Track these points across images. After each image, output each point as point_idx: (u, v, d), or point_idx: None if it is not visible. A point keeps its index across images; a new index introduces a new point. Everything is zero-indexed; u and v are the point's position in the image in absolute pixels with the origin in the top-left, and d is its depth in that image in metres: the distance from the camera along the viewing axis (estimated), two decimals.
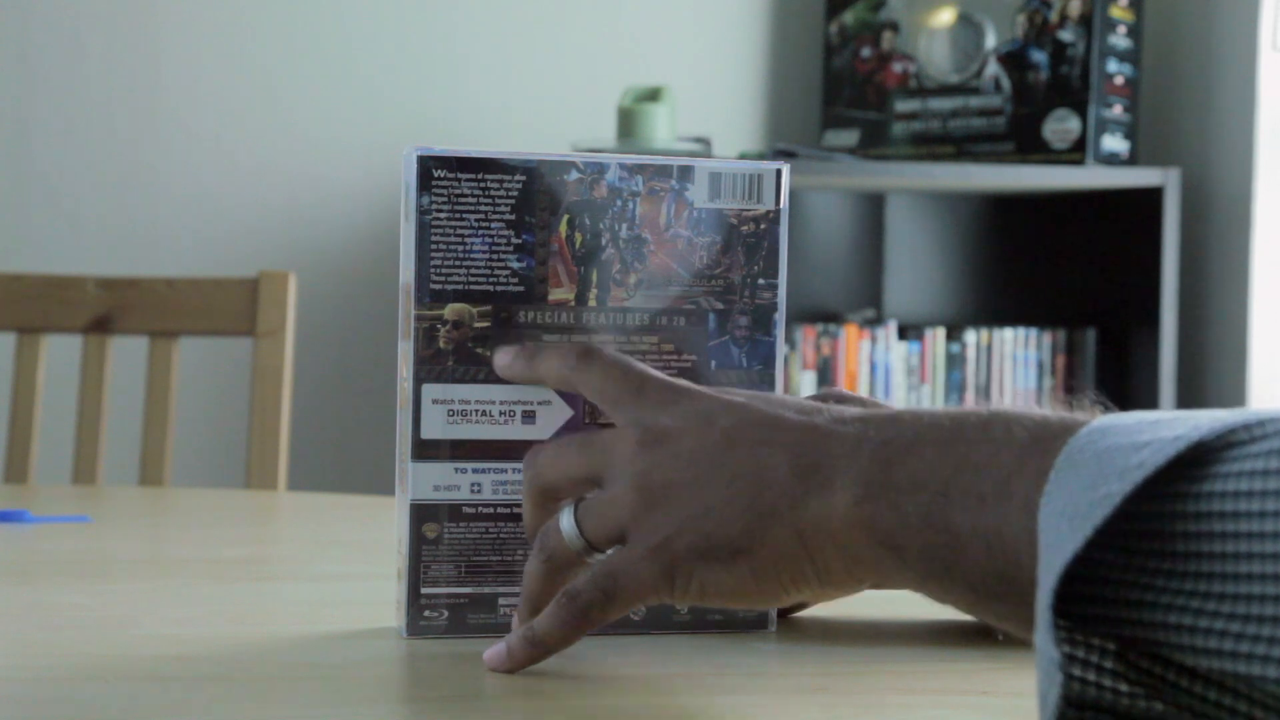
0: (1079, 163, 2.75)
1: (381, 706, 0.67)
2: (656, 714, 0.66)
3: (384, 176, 2.87)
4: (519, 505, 0.77)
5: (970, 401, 2.89)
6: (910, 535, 0.60)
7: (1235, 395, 2.85)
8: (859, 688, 0.70)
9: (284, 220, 2.84)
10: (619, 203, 0.78)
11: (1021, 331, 2.92)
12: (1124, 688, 0.52)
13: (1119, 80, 2.80)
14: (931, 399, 2.89)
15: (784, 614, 0.83)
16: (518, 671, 0.70)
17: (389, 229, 2.86)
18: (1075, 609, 0.53)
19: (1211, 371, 2.90)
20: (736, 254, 0.79)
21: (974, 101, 2.86)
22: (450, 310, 0.76)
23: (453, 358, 0.77)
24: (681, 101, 2.91)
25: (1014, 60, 2.83)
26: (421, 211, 0.76)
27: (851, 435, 0.64)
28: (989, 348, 2.91)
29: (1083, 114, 2.75)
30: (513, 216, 0.77)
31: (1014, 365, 2.91)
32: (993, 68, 2.84)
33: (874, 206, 3.13)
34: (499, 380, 0.77)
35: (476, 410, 0.77)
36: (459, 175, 0.76)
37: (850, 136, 2.95)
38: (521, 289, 0.77)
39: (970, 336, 2.90)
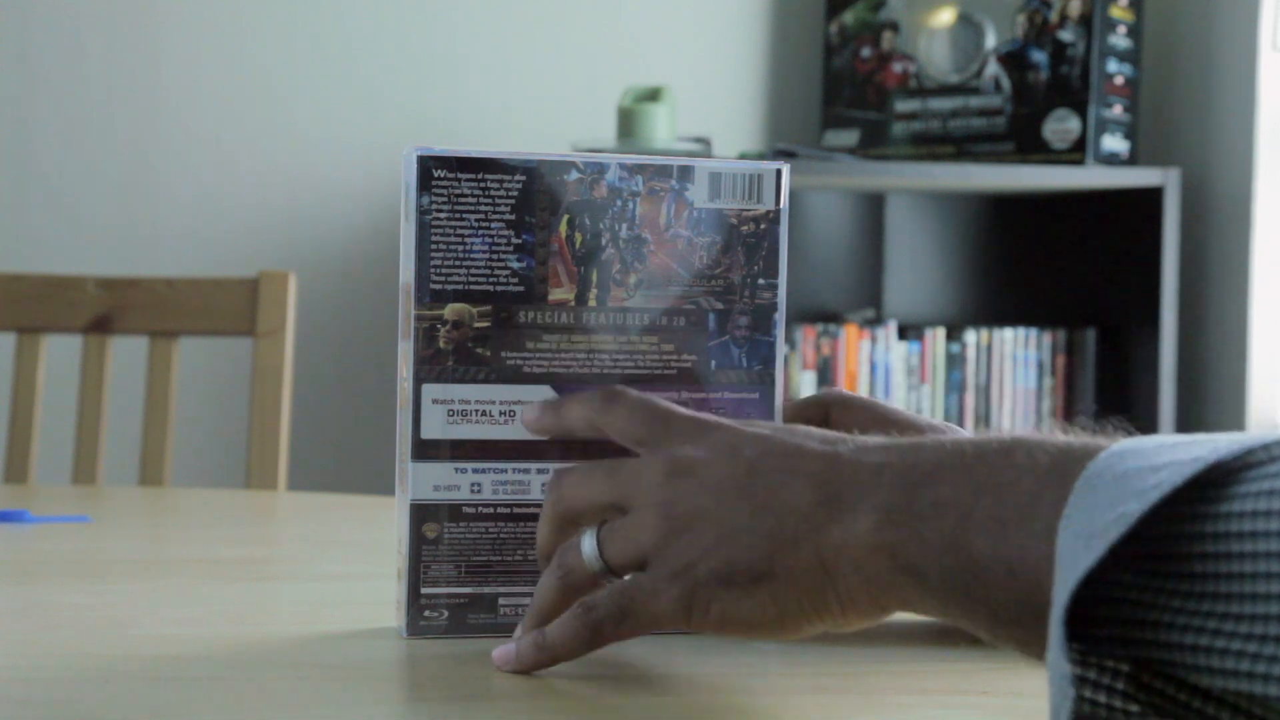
0: (1079, 163, 2.75)
1: (381, 706, 0.67)
2: (657, 714, 0.66)
3: (384, 176, 2.87)
4: (519, 505, 0.77)
5: (969, 401, 2.89)
6: (931, 560, 0.60)
7: (1235, 395, 2.85)
8: (859, 688, 0.70)
9: (284, 220, 2.84)
10: (619, 203, 0.78)
11: (1021, 331, 2.92)
12: (1134, 708, 0.52)
13: (1119, 80, 2.80)
14: (931, 399, 2.89)
15: None
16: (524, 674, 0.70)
17: (389, 229, 2.86)
18: (1090, 630, 0.53)
19: (1211, 371, 2.91)
20: (736, 254, 0.79)
21: (974, 101, 2.86)
22: (450, 310, 0.76)
23: (453, 358, 0.77)
24: (681, 101, 2.91)
25: (1014, 60, 2.83)
26: (421, 211, 0.76)
27: (874, 463, 0.64)
28: (989, 348, 2.91)
29: (1083, 114, 2.75)
30: (513, 216, 0.77)
31: (1014, 365, 2.91)
32: (993, 68, 2.84)
33: (874, 206, 3.13)
34: (499, 380, 0.77)
35: (476, 410, 0.77)
36: (459, 175, 0.76)
37: (850, 136, 2.95)
38: (521, 289, 0.77)
39: (970, 336, 2.90)
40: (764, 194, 0.79)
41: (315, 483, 2.81)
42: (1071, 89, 2.77)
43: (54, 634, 0.78)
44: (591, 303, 0.77)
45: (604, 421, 0.73)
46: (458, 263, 0.76)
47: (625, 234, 0.78)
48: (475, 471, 0.77)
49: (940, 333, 2.91)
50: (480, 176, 0.76)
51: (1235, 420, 2.85)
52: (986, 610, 0.59)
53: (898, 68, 2.93)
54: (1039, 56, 2.80)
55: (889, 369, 2.88)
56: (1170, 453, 0.53)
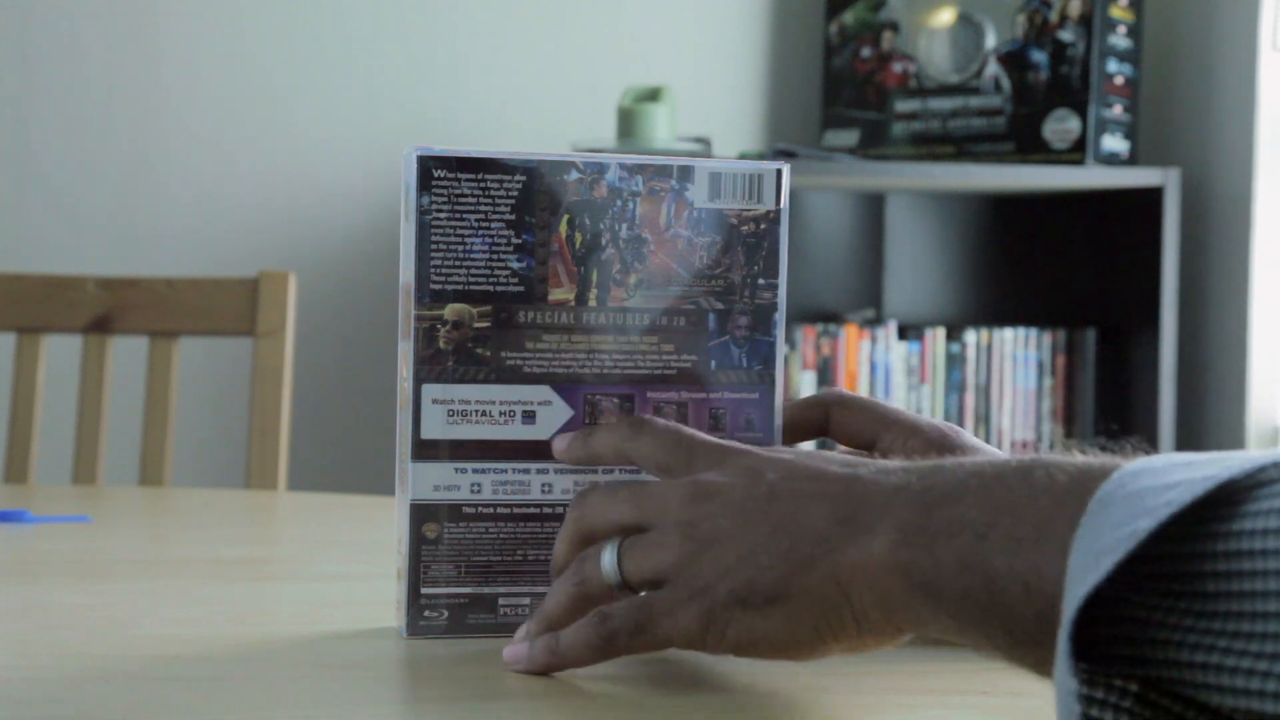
0: (1079, 163, 2.75)
1: (381, 706, 0.67)
2: (656, 714, 0.66)
3: (384, 176, 2.87)
4: (519, 505, 0.77)
5: (969, 401, 2.89)
6: (947, 580, 0.60)
7: (1235, 395, 2.85)
8: (859, 688, 0.70)
9: (284, 220, 2.84)
10: (619, 203, 0.78)
11: (1021, 331, 2.92)
12: None
13: (1119, 80, 2.80)
14: (931, 399, 2.89)
15: None
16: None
17: (389, 229, 2.86)
18: (1100, 649, 0.53)
19: (1211, 371, 2.91)
20: (736, 254, 0.79)
21: (974, 101, 2.86)
22: (450, 310, 0.76)
23: (453, 358, 0.77)
24: (681, 101, 2.91)
25: (1014, 60, 2.83)
26: (421, 211, 0.76)
27: (892, 485, 0.64)
28: (989, 348, 2.91)
29: (1083, 114, 2.75)
30: (513, 216, 0.77)
31: (1014, 365, 2.91)
32: (993, 68, 2.84)
33: (874, 206, 3.13)
34: (499, 380, 0.77)
35: (476, 410, 0.77)
36: (459, 175, 0.76)
37: (850, 136, 2.95)
38: (521, 289, 0.77)
39: (970, 336, 2.90)
40: (764, 194, 0.79)
41: (315, 483, 2.81)
42: (1071, 89, 2.77)
43: (54, 634, 0.78)
44: (591, 303, 0.77)
45: (631, 449, 0.74)
46: (458, 263, 0.76)
47: (625, 234, 0.78)
48: (475, 471, 0.77)
49: (940, 333, 2.91)
50: (480, 176, 0.76)
51: (1235, 420, 2.85)
52: (1003, 630, 0.59)
53: (898, 68, 2.93)
54: (1039, 56, 2.80)
55: (889, 369, 2.88)
56: (1183, 471, 0.53)
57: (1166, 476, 0.53)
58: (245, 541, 1.18)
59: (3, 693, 0.66)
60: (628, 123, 2.71)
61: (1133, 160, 2.82)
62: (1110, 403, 2.91)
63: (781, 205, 0.79)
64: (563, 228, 0.77)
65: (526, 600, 0.78)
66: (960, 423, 2.87)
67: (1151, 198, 2.78)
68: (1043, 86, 2.79)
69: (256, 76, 2.83)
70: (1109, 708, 0.52)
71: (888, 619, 0.63)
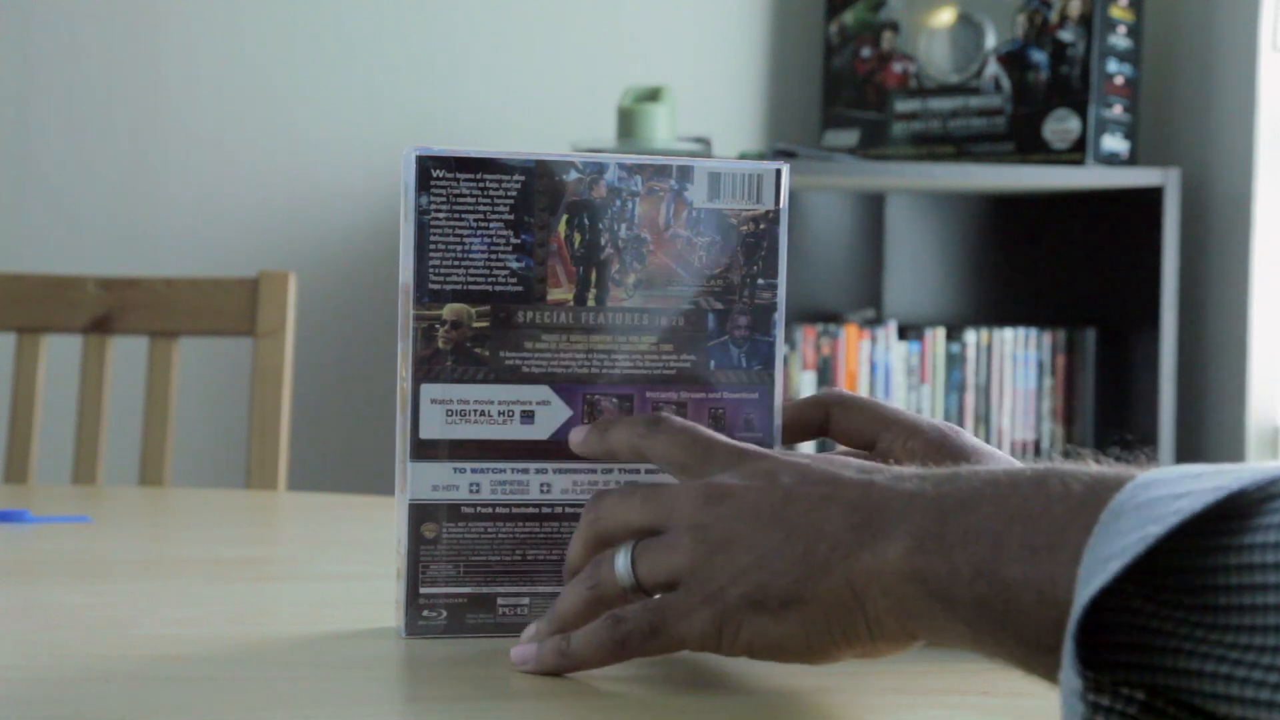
0: (1079, 163, 2.75)
1: (381, 706, 0.67)
2: (658, 714, 0.66)
3: (384, 176, 2.87)
4: (518, 505, 0.77)
5: (969, 401, 2.89)
6: (962, 588, 0.60)
7: (1235, 395, 2.85)
8: (859, 688, 0.70)
9: (284, 220, 2.84)
10: (618, 203, 0.78)
11: (1021, 331, 2.92)
12: None
13: (1119, 80, 2.80)
14: (931, 399, 2.89)
15: None
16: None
17: (389, 229, 2.86)
18: (1108, 656, 0.53)
19: (1211, 371, 2.90)
20: (736, 254, 0.79)
21: (974, 101, 2.86)
22: (449, 310, 0.76)
23: (451, 358, 0.77)
24: (681, 101, 2.91)
25: (1014, 60, 2.83)
26: (420, 211, 0.76)
27: (907, 491, 0.64)
28: (989, 348, 2.91)
29: (1083, 114, 2.75)
30: (511, 216, 0.77)
31: (1014, 365, 2.91)
32: (993, 68, 2.84)
33: (874, 206, 3.13)
34: (498, 380, 0.77)
35: (475, 410, 0.77)
36: (458, 175, 0.76)
37: (850, 136, 2.95)
38: (520, 289, 0.77)
39: (970, 336, 2.90)
40: (764, 194, 0.79)
41: (315, 483, 2.81)
42: (1071, 89, 2.77)
43: (54, 634, 0.78)
44: (590, 303, 0.77)
45: (647, 447, 0.73)
46: (456, 263, 0.76)
47: (624, 234, 0.78)
48: (474, 471, 0.77)
49: (940, 333, 2.91)
50: (479, 176, 0.76)
51: (1235, 420, 2.85)
52: (1017, 638, 0.59)
53: (898, 68, 2.93)
54: (1039, 56, 2.80)
55: (889, 369, 2.88)
56: (1194, 482, 0.53)
57: (1177, 487, 0.53)
58: (245, 541, 1.18)
59: (3, 693, 0.66)
60: (628, 123, 2.72)
61: (1133, 160, 2.82)
62: (1110, 403, 2.91)
63: (781, 205, 0.79)
64: (561, 228, 0.77)
65: (525, 600, 0.78)
66: (960, 423, 2.87)
67: (1151, 198, 2.78)
68: (1043, 86, 2.79)
69: (256, 76, 2.83)
70: (1116, 714, 0.52)
71: (901, 626, 0.63)
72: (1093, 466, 0.60)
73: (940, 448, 0.75)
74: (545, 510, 0.78)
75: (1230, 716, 0.51)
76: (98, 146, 2.78)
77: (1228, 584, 0.51)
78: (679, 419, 0.73)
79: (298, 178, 2.84)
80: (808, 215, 3.08)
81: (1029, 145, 2.80)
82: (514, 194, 0.77)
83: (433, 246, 0.76)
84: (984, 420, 2.90)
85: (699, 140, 2.73)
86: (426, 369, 0.76)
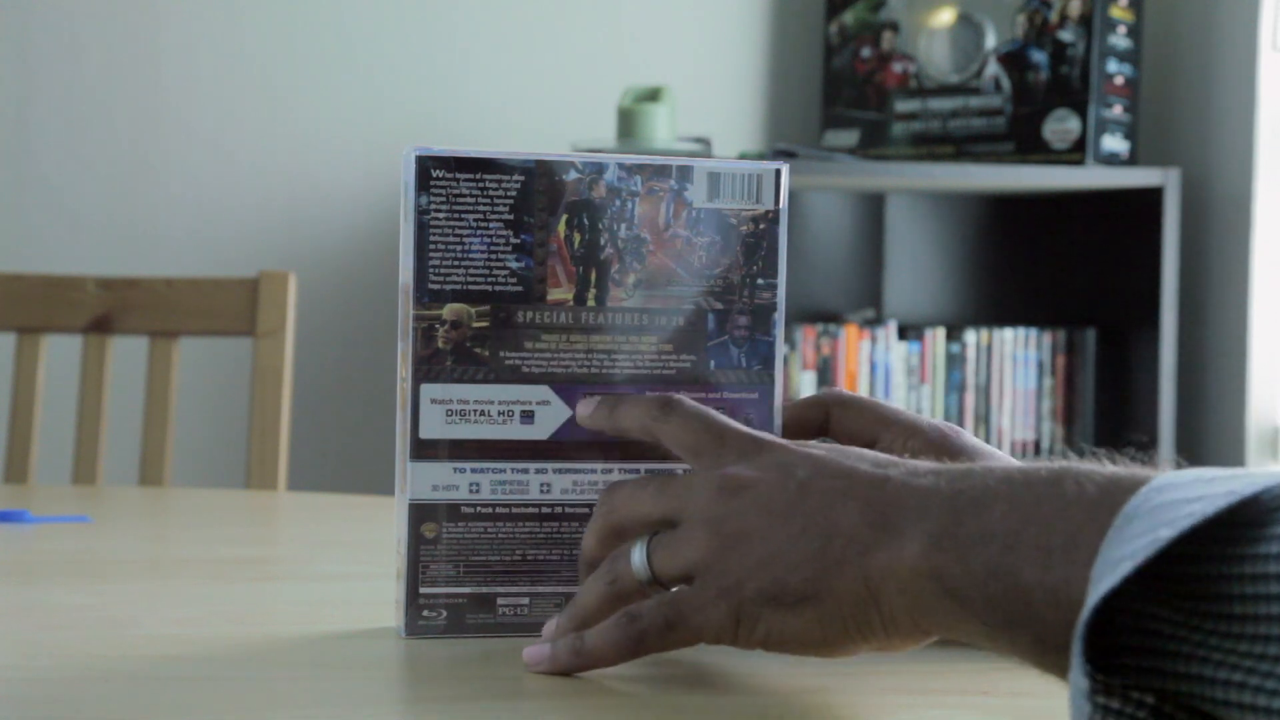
0: (1079, 163, 2.75)
1: (381, 706, 0.67)
2: (657, 714, 0.66)
3: (384, 176, 2.87)
4: (518, 505, 0.77)
5: (969, 401, 2.89)
6: (977, 587, 0.60)
7: (1235, 395, 2.85)
8: (859, 688, 0.70)
9: (284, 220, 2.84)
10: (618, 203, 0.78)
11: (1021, 331, 2.92)
12: None
13: (1119, 80, 2.80)
14: (931, 399, 2.89)
15: None
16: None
17: (389, 229, 2.86)
18: (1119, 660, 0.54)
19: (1211, 371, 2.90)
20: (736, 254, 0.79)
21: (974, 101, 2.86)
22: (449, 310, 0.76)
23: (451, 358, 0.77)
24: (681, 101, 2.91)
25: (1014, 60, 2.83)
26: (420, 211, 0.76)
27: (923, 488, 0.64)
28: (989, 348, 2.91)
29: (1083, 114, 2.75)
30: (511, 216, 0.77)
31: (1014, 365, 2.91)
32: (993, 68, 2.84)
33: (874, 206, 3.13)
34: (497, 380, 0.77)
35: (475, 410, 0.77)
36: (457, 175, 0.76)
37: (850, 136, 2.95)
38: (520, 289, 0.77)
39: (970, 336, 2.90)
40: (763, 194, 0.79)
41: (315, 483, 2.81)
42: (1071, 89, 2.77)
43: (54, 634, 0.78)
44: (590, 303, 0.77)
45: (659, 429, 0.73)
46: (456, 263, 0.76)
47: (624, 234, 0.78)
48: (474, 471, 0.77)
49: (940, 333, 2.91)
50: (479, 176, 0.76)
51: (1235, 420, 2.85)
52: (1031, 638, 0.59)
53: (898, 68, 2.93)
54: (1039, 56, 2.80)
55: (889, 369, 2.88)
56: (1207, 486, 0.53)
57: (1190, 491, 0.53)
58: (245, 541, 1.18)
59: (3, 693, 0.66)
60: (628, 123, 2.71)
61: (1133, 160, 2.82)
62: (1110, 403, 2.91)
63: (781, 205, 0.79)
64: (561, 228, 0.77)
65: (525, 600, 0.78)
66: (960, 423, 2.87)
67: (1151, 198, 2.78)
68: (1043, 86, 2.79)
69: (256, 76, 2.83)
70: (1125, 717, 0.52)
71: (916, 622, 0.63)
72: (1107, 467, 0.60)
73: (940, 448, 0.75)
74: (545, 510, 0.78)
75: None
76: (98, 146, 2.78)
77: (1241, 593, 0.51)
78: (692, 402, 0.73)
79: (298, 178, 2.84)
80: (808, 215, 3.08)
81: (1029, 145, 2.80)
82: (514, 194, 0.77)
83: (432, 246, 0.76)
84: (984, 420, 2.90)
85: (699, 140, 2.73)
86: (426, 369, 0.76)
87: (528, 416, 0.77)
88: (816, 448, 0.69)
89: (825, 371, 2.85)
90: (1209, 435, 2.90)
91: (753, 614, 0.66)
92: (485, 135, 2.89)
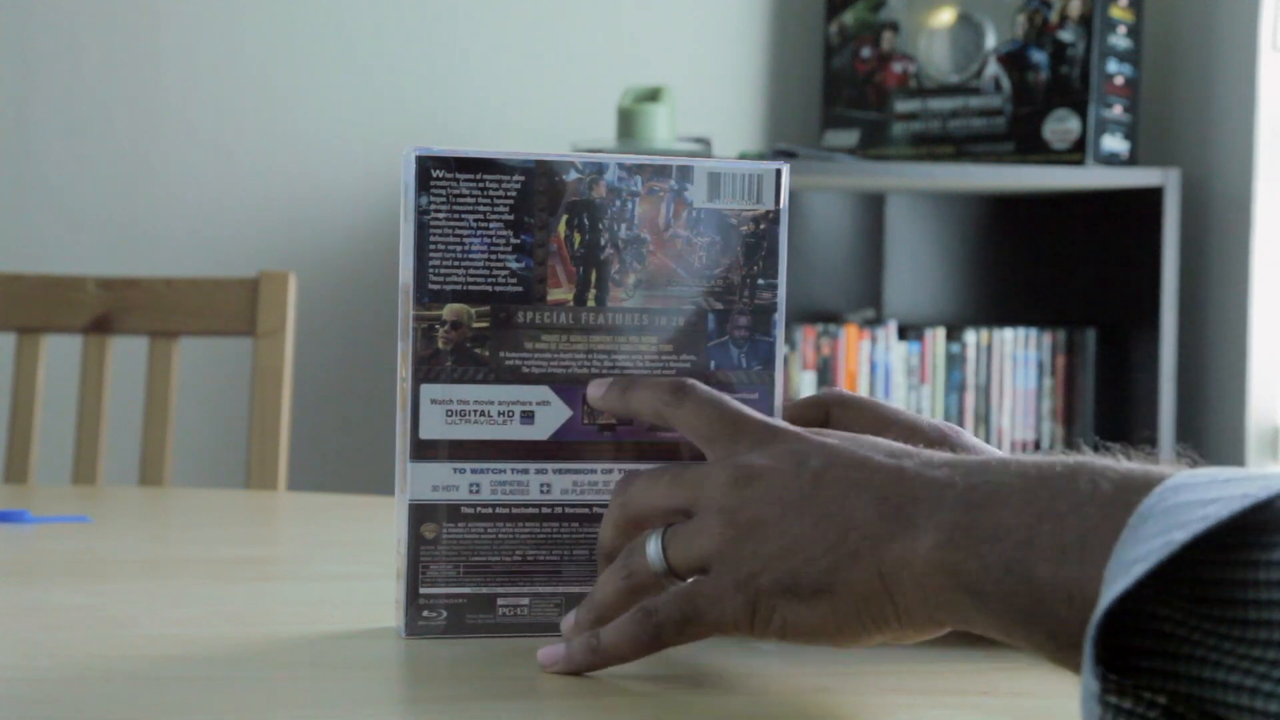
0: (1079, 163, 2.75)
1: (381, 706, 0.67)
2: (657, 714, 0.66)
3: (384, 176, 2.87)
4: (518, 506, 0.77)
5: (969, 401, 2.89)
6: (992, 583, 0.60)
7: (1235, 395, 2.85)
8: (859, 688, 0.70)
9: (284, 220, 2.84)
10: (618, 203, 0.78)
11: (1021, 331, 2.92)
12: None
13: (1119, 80, 2.80)
14: (931, 399, 2.89)
15: None
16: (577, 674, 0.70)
17: (389, 229, 2.86)
18: (1132, 661, 0.54)
19: (1211, 371, 2.90)
20: (736, 254, 0.79)
21: (974, 101, 2.86)
22: (449, 310, 0.76)
23: (451, 358, 0.77)
24: (681, 101, 2.91)
25: (1014, 60, 2.83)
26: (420, 212, 0.76)
27: (938, 480, 0.64)
28: (989, 348, 2.91)
29: (1083, 114, 2.75)
30: (511, 217, 0.77)
31: (1014, 365, 2.91)
32: (993, 68, 2.84)
33: (874, 206, 3.13)
34: (497, 380, 0.77)
35: (475, 410, 0.77)
36: (457, 175, 0.76)
37: (850, 136, 2.95)
38: (520, 289, 0.77)
39: (970, 336, 2.90)
40: (764, 194, 0.79)
41: (315, 483, 2.81)
42: (1071, 89, 2.77)
43: (54, 634, 0.78)
44: (590, 303, 0.77)
45: (672, 415, 0.73)
46: (456, 263, 0.76)
47: (624, 234, 0.78)
48: (474, 472, 0.77)
49: (940, 333, 2.91)
50: (479, 177, 0.76)
51: (1235, 420, 2.85)
52: (1045, 635, 0.59)
53: (898, 68, 2.93)
54: (1039, 56, 2.80)
55: (889, 369, 2.88)
56: (1222, 488, 0.53)
57: (1205, 493, 0.53)
58: (245, 541, 1.18)
59: (3, 693, 0.66)
60: (628, 123, 2.72)
61: (1133, 160, 2.82)
62: (1110, 403, 2.91)
63: (781, 205, 0.79)
64: (561, 228, 0.77)
65: (525, 601, 0.78)
66: (960, 423, 2.87)
67: (1151, 198, 2.78)
68: (1043, 86, 2.79)
69: (256, 76, 2.83)
70: (1136, 717, 0.52)
71: (930, 615, 0.64)
72: (1122, 463, 0.60)
73: (940, 448, 0.75)
74: (545, 511, 0.78)
75: None
76: (98, 146, 2.78)
77: (1255, 598, 0.51)
78: (705, 387, 0.73)
79: (298, 178, 2.84)
80: (808, 215, 3.08)
81: (1029, 145, 2.80)
82: (514, 194, 0.77)
83: (432, 247, 0.76)
84: (984, 420, 2.90)
85: (699, 140, 2.73)
86: (426, 369, 0.76)
87: (528, 417, 0.77)
88: (830, 436, 0.69)
89: (825, 371, 2.85)
90: (1209, 435, 2.90)
91: (768, 605, 0.66)
92: (485, 135, 2.89)
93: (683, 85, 2.94)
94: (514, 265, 0.77)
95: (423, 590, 0.77)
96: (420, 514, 0.77)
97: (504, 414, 0.77)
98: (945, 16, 2.89)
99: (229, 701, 0.66)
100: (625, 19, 2.96)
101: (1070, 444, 2.88)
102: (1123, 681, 0.53)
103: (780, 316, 0.79)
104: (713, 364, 0.79)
